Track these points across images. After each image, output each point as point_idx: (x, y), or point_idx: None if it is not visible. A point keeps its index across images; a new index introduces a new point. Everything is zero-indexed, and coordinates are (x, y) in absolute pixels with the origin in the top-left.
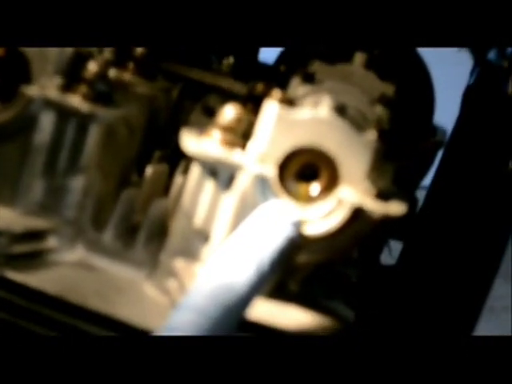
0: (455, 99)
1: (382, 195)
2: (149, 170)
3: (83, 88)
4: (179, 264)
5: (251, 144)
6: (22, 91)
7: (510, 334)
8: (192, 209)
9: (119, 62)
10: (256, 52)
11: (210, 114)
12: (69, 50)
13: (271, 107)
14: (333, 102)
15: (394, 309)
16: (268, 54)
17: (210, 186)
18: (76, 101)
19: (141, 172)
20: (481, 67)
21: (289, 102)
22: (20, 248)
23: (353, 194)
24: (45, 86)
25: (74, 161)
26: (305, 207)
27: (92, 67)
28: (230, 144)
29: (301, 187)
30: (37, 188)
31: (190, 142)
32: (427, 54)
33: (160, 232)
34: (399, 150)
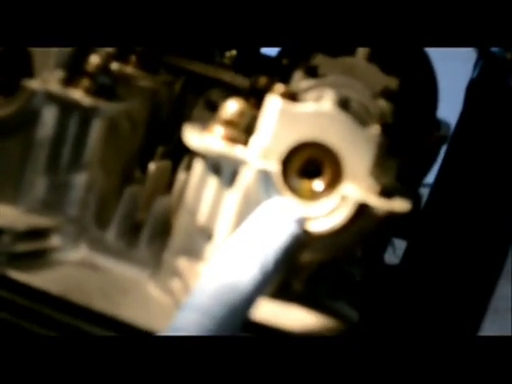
0: (458, 93)
1: (386, 192)
2: (152, 167)
3: (85, 81)
4: (183, 263)
5: (254, 139)
6: (24, 85)
7: None
8: (195, 206)
9: (121, 55)
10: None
11: (213, 108)
12: None
13: (274, 101)
14: (336, 96)
15: (397, 308)
16: (270, 48)
17: (213, 182)
18: (78, 94)
19: (143, 169)
20: (484, 60)
21: (291, 96)
22: (23, 247)
23: (356, 190)
24: (47, 80)
25: (76, 156)
26: (308, 204)
27: (94, 60)
28: (233, 139)
29: (304, 184)
30: (39, 185)
31: (193, 137)
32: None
33: (163, 230)
34: (402, 145)
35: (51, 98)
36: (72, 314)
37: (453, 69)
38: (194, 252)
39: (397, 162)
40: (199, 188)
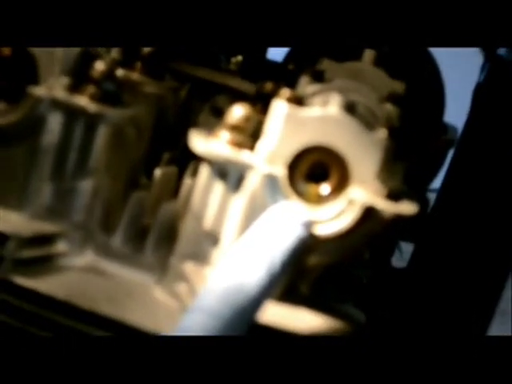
0: (465, 96)
1: (393, 195)
2: (157, 173)
3: (91, 88)
4: (189, 268)
5: (260, 144)
6: (30, 92)
7: None
8: (201, 211)
9: (127, 61)
10: (264, 51)
11: (219, 114)
12: (76, 50)
13: (280, 106)
14: (342, 100)
15: (405, 311)
16: (276, 53)
17: (219, 187)
18: (83, 101)
19: (149, 175)
20: (491, 63)
21: (298, 100)
22: (29, 252)
23: (363, 193)
24: (52, 87)
25: (82, 162)
26: (315, 208)
27: (99, 67)
28: (239, 144)
29: (311, 188)
30: (45, 191)
31: (199, 142)
32: (437, 50)
33: (169, 235)
34: (409, 149)
35: (57, 104)
36: (78, 319)
37: (459, 72)
38: (200, 256)
39: (404, 166)
40: (205, 193)
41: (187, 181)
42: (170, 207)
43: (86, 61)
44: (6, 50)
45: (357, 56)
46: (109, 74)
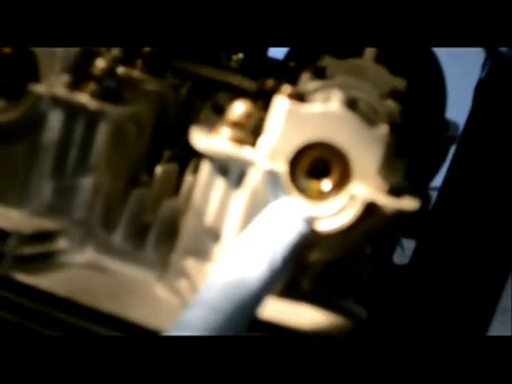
0: (467, 93)
1: (395, 191)
2: (158, 170)
3: (91, 85)
4: (190, 264)
5: (261, 140)
6: (30, 89)
7: None
8: (202, 207)
9: (127, 59)
10: (265, 48)
11: (220, 111)
12: (76, 48)
13: (281, 102)
14: (343, 97)
15: (406, 308)
16: (277, 50)
17: (220, 183)
18: (84, 98)
19: (150, 172)
20: (493, 60)
21: (299, 97)
22: (29, 249)
23: (365, 189)
24: (53, 84)
25: (83, 160)
26: (316, 204)
27: (100, 64)
28: (240, 140)
29: (312, 184)
30: (46, 188)
31: (200, 139)
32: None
33: (170, 232)
34: (411, 145)
35: (57, 102)
36: (79, 316)
37: (461, 69)
38: (201, 253)
39: (405, 162)
40: (207, 189)
41: (188, 178)
42: (171, 204)
43: (87, 58)
44: (7, 48)
45: (358, 53)
46: (109, 72)
